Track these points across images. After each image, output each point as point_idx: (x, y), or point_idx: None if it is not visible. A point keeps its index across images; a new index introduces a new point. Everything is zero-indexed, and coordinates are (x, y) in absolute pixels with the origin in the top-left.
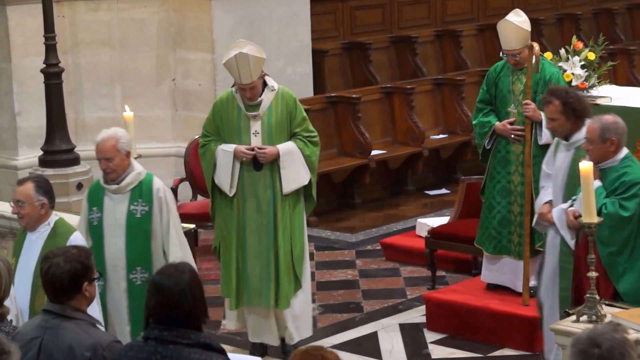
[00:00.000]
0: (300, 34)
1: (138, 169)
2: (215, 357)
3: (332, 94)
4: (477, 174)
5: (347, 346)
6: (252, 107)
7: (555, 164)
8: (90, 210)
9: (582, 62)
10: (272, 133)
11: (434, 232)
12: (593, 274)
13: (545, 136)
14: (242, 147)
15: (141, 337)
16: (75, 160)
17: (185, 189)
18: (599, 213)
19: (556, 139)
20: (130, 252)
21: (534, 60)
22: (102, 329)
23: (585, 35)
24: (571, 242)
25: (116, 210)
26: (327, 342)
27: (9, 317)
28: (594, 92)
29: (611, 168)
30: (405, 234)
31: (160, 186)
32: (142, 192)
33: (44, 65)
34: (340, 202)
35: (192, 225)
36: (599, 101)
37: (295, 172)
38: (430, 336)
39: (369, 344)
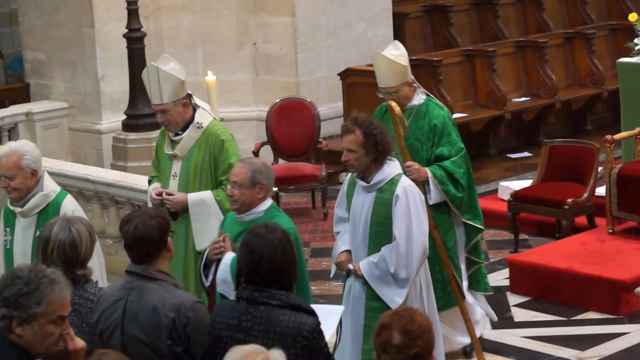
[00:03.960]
0: None
1: (47, 190)
2: (304, 319)
3: (412, 57)
4: (560, 136)
5: None
6: (174, 144)
7: (353, 207)
8: (5, 230)
9: None
10: (190, 179)
11: (517, 195)
12: None
13: (434, 195)
14: (154, 191)
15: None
16: (158, 124)
17: (267, 153)
18: None
19: (348, 177)
20: None
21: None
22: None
23: None
24: (395, 300)
25: (24, 236)
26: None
27: (93, 278)
28: None
29: (256, 219)
30: (487, 197)
31: (69, 210)
32: (49, 216)
33: (127, 30)
34: None
35: (274, 189)
36: None
37: (209, 227)
38: (513, 299)
39: None
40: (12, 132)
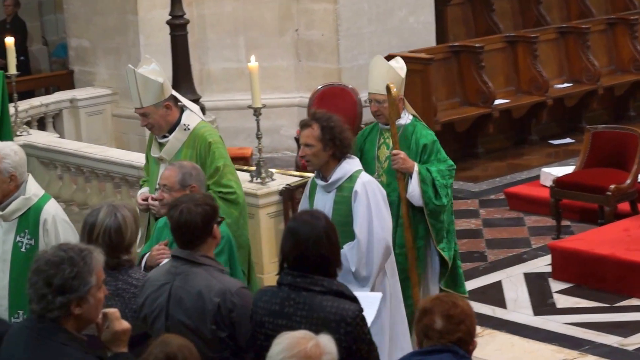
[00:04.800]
0: None
1: (29, 194)
2: (347, 305)
3: (454, 44)
4: (602, 123)
5: (471, 295)
6: (161, 147)
7: (315, 207)
8: None
9: None
10: None
11: (560, 182)
12: None
13: (413, 190)
14: (140, 196)
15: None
16: (201, 111)
17: None
18: None
19: (311, 180)
20: (13, 292)
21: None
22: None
23: None
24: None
25: (4, 241)
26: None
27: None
28: None
29: None
30: (529, 184)
31: (50, 216)
32: (29, 222)
33: (170, 17)
34: (464, 152)
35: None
36: None
37: None
38: (555, 285)
39: (493, 292)
40: (56, 119)
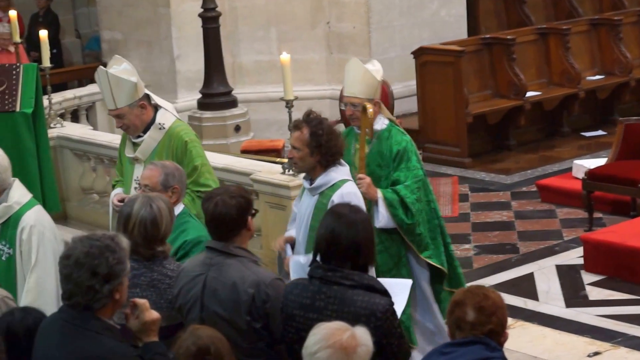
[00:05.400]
0: None
1: (10, 201)
2: (378, 299)
3: (486, 36)
4: (635, 115)
5: (503, 287)
6: (135, 147)
7: (300, 208)
8: None
9: None
10: None
11: (592, 174)
12: None
13: (383, 218)
14: (116, 197)
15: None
16: (233, 103)
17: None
18: None
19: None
20: None
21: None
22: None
23: None
24: None
25: None
26: (483, 282)
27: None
28: None
29: None
30: (561, 176)
31: (27, 225)
32: (8, 229)
33: (202, 10)
34: (495, 144)
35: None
36: None
37: None
38: (587, 278)
39: (526, 284)
40: (89, 111)
